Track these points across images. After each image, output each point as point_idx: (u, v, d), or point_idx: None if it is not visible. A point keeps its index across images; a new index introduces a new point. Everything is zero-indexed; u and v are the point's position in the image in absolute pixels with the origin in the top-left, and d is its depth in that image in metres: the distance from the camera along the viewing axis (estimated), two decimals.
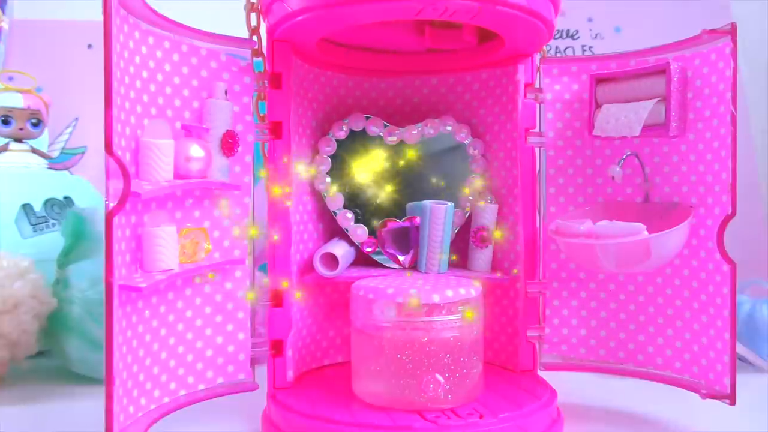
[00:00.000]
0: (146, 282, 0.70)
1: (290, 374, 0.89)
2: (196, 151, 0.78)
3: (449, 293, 0.78)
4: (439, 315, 0.77)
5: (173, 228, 0.75)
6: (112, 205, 0.66)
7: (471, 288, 0.80)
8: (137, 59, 0.75)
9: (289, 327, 0.88)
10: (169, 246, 0.74)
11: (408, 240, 0.94)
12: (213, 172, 0.82)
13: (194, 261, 0.81)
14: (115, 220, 0.66)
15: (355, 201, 0.96)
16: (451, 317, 0.78)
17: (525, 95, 0.94)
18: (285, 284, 0.86)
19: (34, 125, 1.34)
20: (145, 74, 0.77)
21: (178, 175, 0.78)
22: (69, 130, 1.61)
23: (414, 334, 0.77)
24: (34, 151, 1.34)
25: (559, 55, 1.61)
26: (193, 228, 0.81)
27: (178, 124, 0.80)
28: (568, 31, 1.69)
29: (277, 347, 0.87)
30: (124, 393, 0.71)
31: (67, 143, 1.61)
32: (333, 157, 0.95)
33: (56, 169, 1.37)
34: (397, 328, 0.78)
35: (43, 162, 1.35)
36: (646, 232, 0.80)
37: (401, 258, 0.94)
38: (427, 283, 0.82)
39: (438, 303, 0.77)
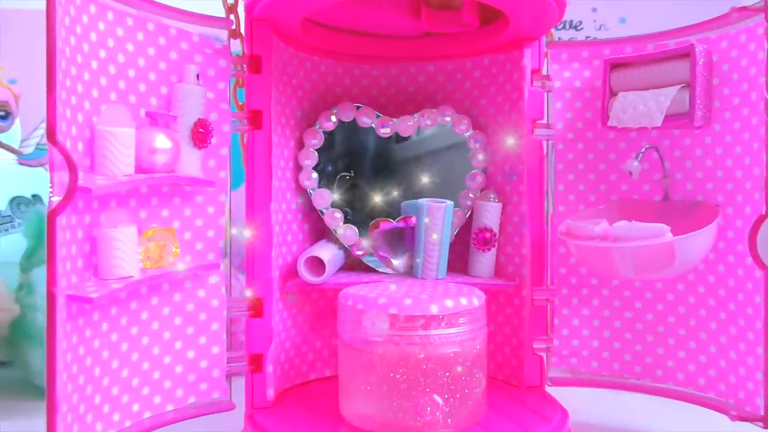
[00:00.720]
0: (99, 291, 0.61)
1: (271, 392, 0.80)
2: (161, 141, 0.69)
3: (449, 303, 0.69)
4: (437, 328, 0.68)
5: (133, 229, 0.66)
6: (56, 201, 0.56)
7: (473, 297, 0.71)
8: (93, 36, 0.66)
9: (269, 339, 0.80)
10: (127, 250, 0.65)
11: (403, 242, 0.89)
12: (182, 166, 0.73)
13: (161, 266, 0.71)
14: (60, 219, 0.57)
15: (344, 199, 0.89)
16: (452, 330, 0.69)
17: (531, 83, 0.88)
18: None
19: (2, 118, 1.24)
20: (102, 54, 0.68)
21: (141, 169, 0.69)
22: (44, 124, 1.52)
23: (409, 350, 0.69)
24: (0, 145, 1.25)
25: None
26: (160, 229, 0.72)
27: (142, 112, 0.71)
28: (571, 21, 1.61)
29: (257, 362, 0.81)
30: (75, 419, 0.62)
31: (43, 138, 1.52)
32: (320, 150, 0.88)
33: (29, 166, 1.28)
34: (390, 343, 0.69)
35: (12, 157, 1.26)
36: (670, 234, 0.72)
37: (395, 262, 0.89)
38: (423, 291, 0.73)
39: (436, 315, 0.68)
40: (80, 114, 0.63)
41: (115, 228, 0.64)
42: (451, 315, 0.69)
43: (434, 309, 0.68)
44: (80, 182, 0.59)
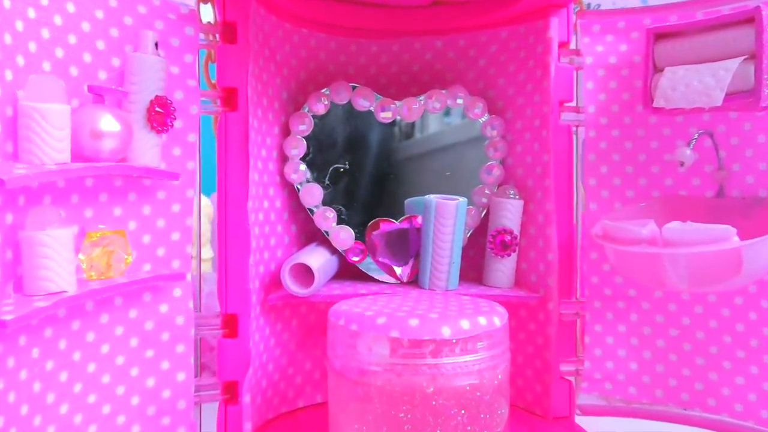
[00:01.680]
0: (17, 312, 0.48)
1: (248, 426, 0.68)
2: (108, 123, 0.56)
3: (464, 324, 0.56)
4: (450, 355, 0.55)
5: (66, 231, 0.53)
6: None
7: (494, 315, 0.58)
8: None
9: (246, 364, 0.68)
10: (59, 258, 0.52)
11: (407, 246, 0.78)
12: (137, 155, 0.61)
13: (109, 277, 0.58)
14: None
15: (338, 195, 0.80)
16: (468, 358, 0.56)
17: (558, 58, 0.77)
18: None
19: None
20: (32, 14, 0.55)
21: (82, 157, 0.56)
22: None
23: (415, 382, 0.56)
24: None
25: None
26: (108, 232, 0.59)
27: (86, 87, 0.57)
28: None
29: (231, 391, 0.71)
30: None
31: None
32: (309, 138, 0.78)
33: None
34: (392, 373, 0.56)
35: None
36: (737, 238, 0.59)
37: (398, 270, 0.79)
38: (433, 307, 0.60)
39: (449, 339, 0.55)
40: None
41: (42, 230, 0.51)
42: (468, 339, 0.56)
43: (446, 332, 0.55)
44: None
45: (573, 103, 0.78)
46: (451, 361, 0.56)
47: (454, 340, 0.56)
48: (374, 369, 0.57)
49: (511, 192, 0.78)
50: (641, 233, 0.63)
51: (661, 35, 0.72)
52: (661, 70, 0.71)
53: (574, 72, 0.78)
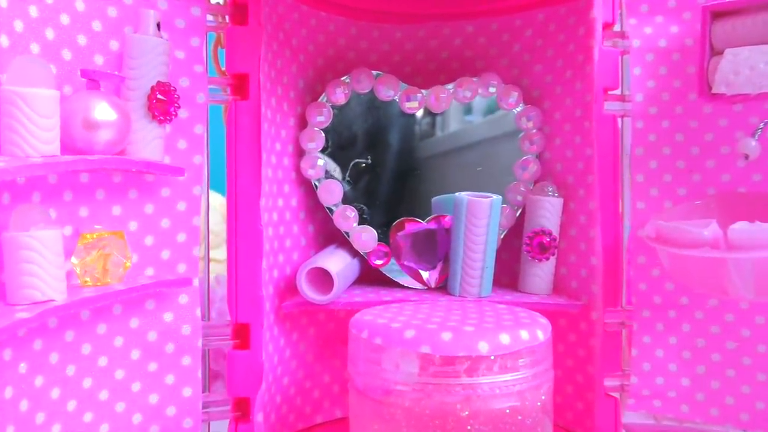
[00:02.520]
0: None
1: None
2: (103, 111, 0.51)
3: (504, 339, 0.50)
4: (488, 374, 0.49)
5: (53, 233, 0.47)
6: None
7: (537, 328, 0.52)
8: None
9: (258, 379, 0.62)
10: (45, 263, 0.46)
11: (434, 249, 0.73)
12: (136, 147, 0.55)
13: (106, 283, 0.53)
14: None
15: (359, 193, 0.76)
16: (508, 377, 0.49)
17: (602, 41, 0.71)
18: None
19: None
20: None
21: (74, 150, 0.50)
22: None
23: (447, 404, 0.50)
24: None
25: None
26: (104, 233, 0.53)
27: (79, 72, 0.52)
28: None
29: (242, 408, 0.65)
30: None
31: None
32: (328, 130, 0.74)
33: None
34: (421, 393, 0.50)
35: None
36: None
37: (425, 275, 0.73)
38: (467, 318, 0.54)
39: (486, 355, 0.48)
40: None
41: (26, 231, 0.45)
42: (508, 355, 0.49)
43: (484, 347, 0.49)
44: None
45: (618, 91, 0.72)
46: (489, 380, 0.50)
47: (492, 357, 0.49)
48: (401, 388, 0.51)
49: (550, 189, 0.72)
50: (703, 235, 0.56)
51: (719, 14, 0.66)
52: (720, 53, 0.65)
53: (620, 57, 0.71)
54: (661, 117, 0.71)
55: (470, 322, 0.53)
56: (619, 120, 0.73)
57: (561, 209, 0.73)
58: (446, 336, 0.50)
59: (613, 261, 0.71)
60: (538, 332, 0.52)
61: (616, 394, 0.72)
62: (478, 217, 0.67)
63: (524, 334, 0.51)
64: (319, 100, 0.73)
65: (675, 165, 0.71)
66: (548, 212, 0.71)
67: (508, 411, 0.50)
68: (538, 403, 0.52)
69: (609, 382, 0.72)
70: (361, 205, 0.74)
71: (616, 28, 0.73)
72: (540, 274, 0.72)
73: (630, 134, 0.73)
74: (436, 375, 0.50)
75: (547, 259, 0.71)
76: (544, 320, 0.55)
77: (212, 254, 0.77)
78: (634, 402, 0.72)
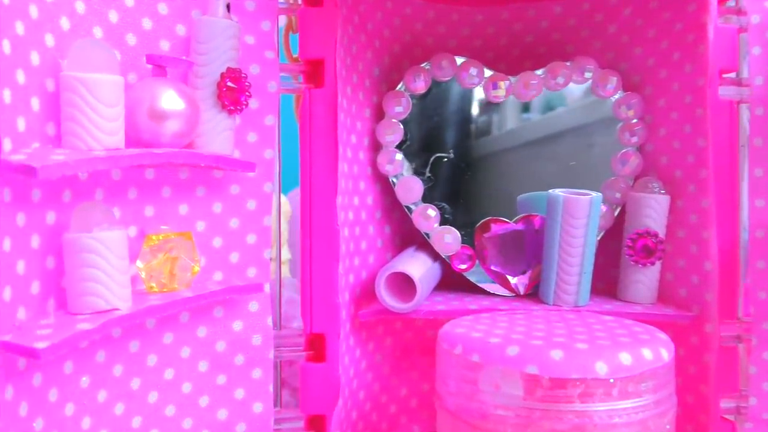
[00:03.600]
0: (55, 337, 0.37)
1: None
2: (170, 100, 0.46)
3: (625, 359, 0.43)
4: (606, 399, 0.42)
5: (118, 234, 0.43)
6: None
7: (659, 346, 0.45)
8: None
9: (335, 394, 0.57)
10: (108, 267, 0.41)
11: (523, 252, 0.67)
12: (205, 140, 0.51)
13: (173, 289, 0.48)
14: None
15: (440, 191, 0.69)
16: (628, 404, 0.43)
17: (717, 18, 0.64)
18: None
19: None
20: None
21: (138, 142, 0.46)
22: None
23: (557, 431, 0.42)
24: None
25: None
26: (171, 234, 0.49)
27: (144, 58, 0.48)
28: None
29: (317, 426, 0.60)
30: None
31: None
32: (406, 122, 0.68)
33: None
34: (527, 420, 0.43)
35: None
36: None
37: (513, 280, 0.67)
38: (573, 332, 0.47)
39: (604, 377, 0.41)
40: (35, 53, 0.40)
41: (89, 233, 0.41)
42: (630, 378, 0.42)
43: (602, 369, 0.42)
44: (18, 157, 0.35)
45: (734, 75, 0.65)
46: (607, 407, 0.43)
47: (611, 380, 0.42)
48: (502, 413, 0.45)
49: (655, 186, 0.64)
50: None
51: None
52: None
53: (737, 35, 0.64)
54: None
55: (579, 337, 0.46)
56: (736, 106, 0.66)
57: (667, 208, 0.65)
58: (556, 354, 0.43)
59: (729, 266, 0.64)
60: (662, 351, 0.45)
61: (731, 417, 0.67)
62: (576, 216, 0.60)
63: (647, 354, 0.44)
64: (397, 89, 0.67)
65: None
66: (654, 211, 0.64)
67: None
68: None
69: (724, 404, 0.66)
70: (443, 204, 0.68)
71: (731, 3, 0.65)
72: (643, 280, 0.64)
73: (748, 123, 0.65)
74: (545, 399, 0.43)
75: (653, 263, 0.63)
76: (664, 336, 0.48)
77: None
78: (752, 426, 0.65)
